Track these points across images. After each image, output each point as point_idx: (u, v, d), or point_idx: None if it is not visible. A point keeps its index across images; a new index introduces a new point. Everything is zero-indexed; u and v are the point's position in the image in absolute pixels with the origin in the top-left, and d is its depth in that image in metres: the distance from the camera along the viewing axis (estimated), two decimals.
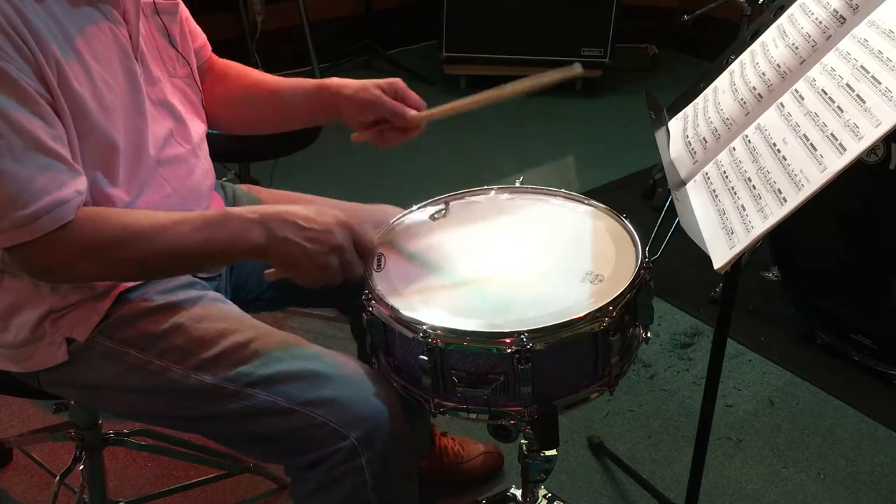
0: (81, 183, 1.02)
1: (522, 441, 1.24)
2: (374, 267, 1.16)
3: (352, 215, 1.09)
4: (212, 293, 1.23)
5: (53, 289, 1.12)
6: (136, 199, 1.13)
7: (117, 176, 1.10)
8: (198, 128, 1.27)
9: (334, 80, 1.32)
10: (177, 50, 1.23)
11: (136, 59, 1.13)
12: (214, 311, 1.18)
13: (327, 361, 1.13)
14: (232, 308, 1.21)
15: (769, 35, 1.21)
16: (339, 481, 1.10)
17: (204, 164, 1.27)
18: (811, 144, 0.97)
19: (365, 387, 1.11)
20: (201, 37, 1.36)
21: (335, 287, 1.10)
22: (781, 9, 1.23)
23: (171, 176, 1.18)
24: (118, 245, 1.02)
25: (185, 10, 1.30)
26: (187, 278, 1.22)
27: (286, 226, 1.05)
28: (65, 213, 0.98)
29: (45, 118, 0.98)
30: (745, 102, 1.16)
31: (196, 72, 1.29)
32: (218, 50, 1.42)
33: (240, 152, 2.08)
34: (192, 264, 1.13)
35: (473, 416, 1.08)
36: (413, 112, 1.28)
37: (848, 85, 0.98)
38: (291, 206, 1.08)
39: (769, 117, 1.09)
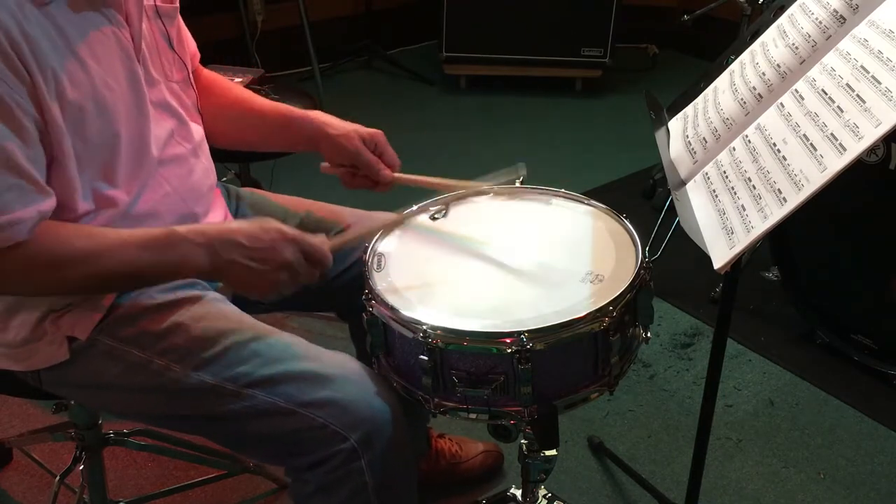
0: (47, 204, 1.02)
1: (522, 441, 1.24)
2: (375, 267, 1.16)
3: (296, 231, 1.10)
4: (212, 293, 1.23)
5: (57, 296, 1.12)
6: (137, 200, 1.14)
7: (118, 177, 1.10)
8: (197, 128, 1.27)
9: (319, 117, 1.35)
10: (175, 53, 1.24)
11: (139, 60, 1.13)
12: (215, 311, 1.18)
13: (328, 362, 1.13)
14: (232, 308, 1.21)
15: (769, 35, 1.21)
16: (339, 483, 1.10)
17: (204, 164, 1.28)
18: (811, 144, 0.97)
19: (365, 388, 1.11)
20: (193, 44, 1.36)
21: (313, 288, 1.12)
22: (781, 9, 1.23)
23: (171, 175, 1.19)
24: (65, 265, 1.03)
25: (179, 18, 1.30)
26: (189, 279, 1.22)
27: (231, 248, 1.06)
28: (19, 232, 0.98)
29: (24, 138, 0.98)
30: (745, 102, 1.16)
31: (192, 76, 1.29)
32: (218, 50, 1.42)
33: (240, 152, 2.08)
34: (140, 283, 1.13)
35: (473, 416, 1.08)
36: (387, 172, 1.33)
37: (848, 85, 0.98)
38: (237, 225, 1.10)
39: (769, 117, 1.09)
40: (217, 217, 1.30)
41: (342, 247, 1.20)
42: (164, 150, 1.17)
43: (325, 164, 1.36)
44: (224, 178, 2.34)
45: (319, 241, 1.12)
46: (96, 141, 1.06)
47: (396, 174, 1.34)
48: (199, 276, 1.10)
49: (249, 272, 1.06)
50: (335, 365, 1.13)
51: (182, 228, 1.07)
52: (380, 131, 1.34)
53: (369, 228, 1.24)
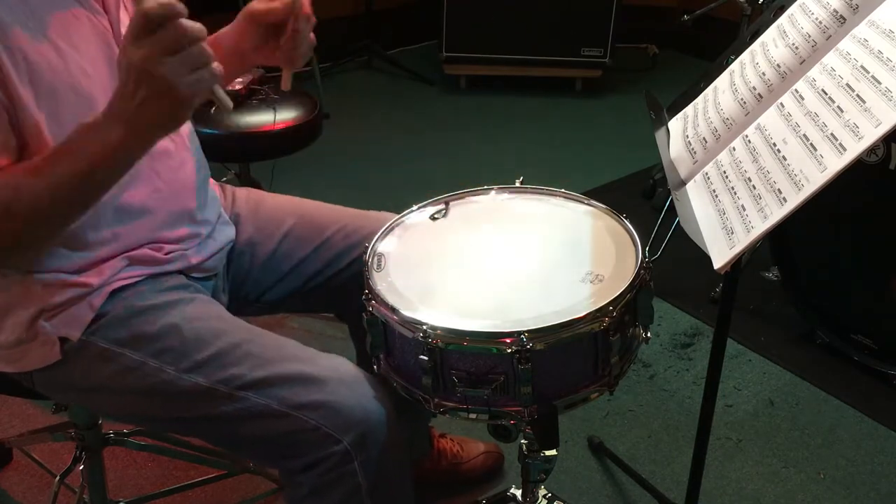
0: None
1: (522, 441, 1.24)
2: (375, 267, 1.16)
3: (142, 51, 0.91)
4: (205, 295, 1.23)
5: (45, 287, 1.11)
6: (123, 192, 1.12)
7: None
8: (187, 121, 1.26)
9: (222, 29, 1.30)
10: None
11: (119, 47, 1.12)
12: (209, 312, 1.18)
13: (321, 364, 1.13)
14: (224, 310, 1.21)
15: (769, 35, 1.21)
16: (333, 485, 1.09)
17: (196, 157, 1.27)
18: (811, 144, 0.97)
19: (358, 390, 1.11)
20: None
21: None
22: (781, 9, 1.23)
23: (162, 169, 1.18)
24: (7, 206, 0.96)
25: None
26: (181, 279, 1.22)
27: (121, 102, 0.93)
28: None
29: None
30: (745, 102, 1.16)
31: None
32: None
33: (240, 152, 2.08)
34: (84, 195, 1.00)
35: (473, 416, 1.07)
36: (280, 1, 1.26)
37: (848, 85, 0.98)
38: (114, 92, 0.95)
39: (769, 117, 1.09)
40: (212, 214, 1.29)
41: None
42: None
43: (284, 82, 1.31)
44: (224, 179, 2.34)
45: (183, 25, 0.93)
46: (71, 125, 1.05)
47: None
48: (128, 150, 0.97)
49: (152, 105, 0.92)
50: (329, 367, 1.13)
51: (90, 119, 0.96)
52: None
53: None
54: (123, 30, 1.10)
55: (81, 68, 1.06)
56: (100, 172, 0.99)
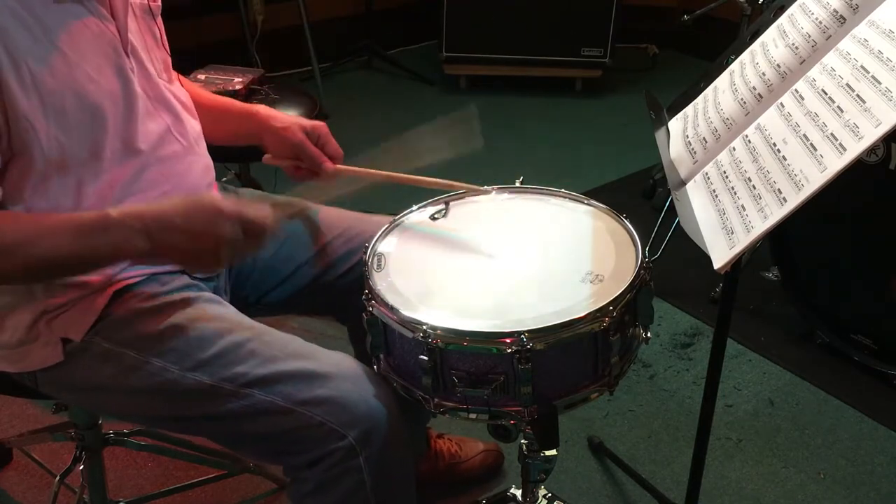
0: None
1: (522, 441, 1.24)
2: (375, 267, 1.16)
3: (233, 204, 1.06)
4: (208, 294, 1.23)
5: (47, 289, 1.12)
6: (128, 197, 1.13)
7: (101, 171, 1.10)
8: (193, 124, 1.27)
9: (262, 110, 1.35)
10: (167, 51, 1.24)
11: (127, 54, 1.12)
12: (211, 311, 1.18)
13: (325, 361, 1.13)
14: (228, 308, 1.21)
15: (769, 35, 1.21)
16: (338, 481, 1.10)
17: (202, 161, 1.27)
18: (811, 144, 0.97)
19: (363, 386, 1.11)
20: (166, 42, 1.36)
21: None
22: (781, 9, 1.23)
23: (169, 173, 1.18)
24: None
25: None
26: (184, 279, 1.22)
27: (167, 231, 1.04)
28: None
29: None
30: (745, 102, 1.16)
31: (178, 75, 1.29)
32: (218, 50, 1.42)
33: (240, 153, 2.08)
34: (76, 269, 1.10)
35: (473, 416, 1.08)
36: (329, 164, 1.31)
37: (848, 85, 0.98)
38: (171, 204, 1.06)
39: (769, 117, 1.09)
40: None
41: (286, 217, 1.19)
42: (160, 147, 1.17)
43: (267, 156, 1.35)
44: (224, 179, 2.34)
45: (261, 212, 1.10)
46: (79, 133, 1.06)
47: (339, 166, 1.33)
48: (140, 259, 1.08)
49: (187, 251, 1.05)
50: (332, 363, 1.13)
51: (116, 212, 1.04)
52: (322, 123, 1.33)
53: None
54: (131, 36, 1.11)
55: (88, 75, 1.06)
56: (103, 260, 1.07)
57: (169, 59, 1.26)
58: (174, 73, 1.28)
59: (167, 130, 1.19)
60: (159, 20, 1.25)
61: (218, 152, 1.36)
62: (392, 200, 1.44)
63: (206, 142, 1.38)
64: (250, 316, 1.22)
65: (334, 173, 1.32)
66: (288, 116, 1.34)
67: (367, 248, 1.18)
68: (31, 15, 1.00)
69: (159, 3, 1.25)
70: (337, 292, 1.37)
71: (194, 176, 1.23)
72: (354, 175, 1.33)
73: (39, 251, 1.01)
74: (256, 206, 1.10)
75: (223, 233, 1.05)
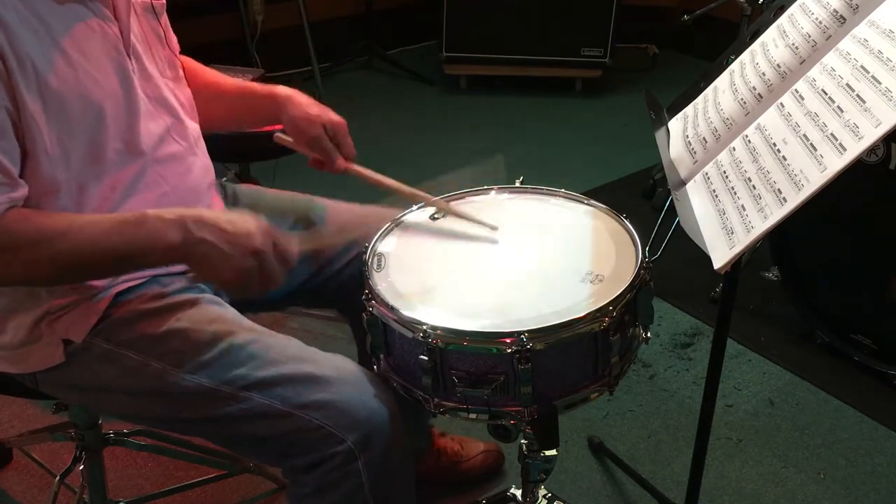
0: (19, 193, 1.01)
1: (522, 441, 1.24)
2: (375, 267, 1.16)
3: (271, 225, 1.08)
4: (209, 295, 1.23)
5: (50, 290, 1.12)
6: (129, 198, 1.13)
7: (104, 172, 1.10)
8: (193, 125, 1.27)
9: (282, 92, 1.34)
10: (170, 50, 1.24)
11: (129, 55, 1.13)
12: (212, 314, 1.18)
13: (324, 364, 1.13)
14: (229, 310, 1.21)
15: (769, 35, 1.21)
16: (336, 484, 1.10)
17: (202, 162, 1.27)
18: (811, 144, 0.97)
19: (362, 390, 1.11)
20: (174, 38, 1.36)
21: (263, 295, 1.10)
22: (781, 9, 1.23)
23: (168, 174, 1.18)
24: (29, 246, 1.01)
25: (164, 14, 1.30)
26: (185, 281, 1.22)
27: (204, 227, 1.03)
28: None
29: None
30: (745, 102, 1.16)
31: (182, 74, 1.29)
32: (218, 50, 1.42)
33: (240, 152, 2.08)
34: (109, 267, 1.09)
35: (473, 416, 1.08)
36: (341, 161, 1.32)
37: (848, 85, 0.98)
38: (211, 211, 1.09)
39: (769, 117, 1.09)
40: None
41: (311, 250, 1.19)
42: (160, 148, 1.17)
43: (278, 135, 1.36)
44: (224, 178, 2.34)
45: (291, 240, 1.10)
46: (81, 134, 1.06)
47: (348, 165, 1.34)
48: (170, 255, 1.05)
49: (219, 254, 1.03)
50: (332, 367, 1.13)
51: (154, 210, 1.05)
52: (343, 121, 1.34)
53: (342, 236, 1.27)
54: (136, 38, 1.11)
55: (91, 77, 1.06)
56: (136, 257, 1.06)
57: (175, 58, 1.26)
58: (181, 72, 1.28)
59: (167, 131, 1.19)
60: (164, 18, 1.25)
61: (218, 152, 1.37)
62: (392, 200, 1.44)
63: (225, 129, 1.38)
64: (251, 313, 1.22)
65: (344, 170, 1.32)
66: (310, 104, 1.33)
67: (367, 247, 1.18)
68: (35, 15, 1.00)
69: (163, 1, 1.25)
70: (338, 285, 1.37)
71: (194, 177, 1.23)
72: (359, 175, 1.33)
73: (75, 242, 1.01)
74: (287, 235, 1.10)
75: (257, 244, 1.04)
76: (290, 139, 1.35)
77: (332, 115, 1.33)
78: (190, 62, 1.40)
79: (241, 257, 1.04)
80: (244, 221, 1.06)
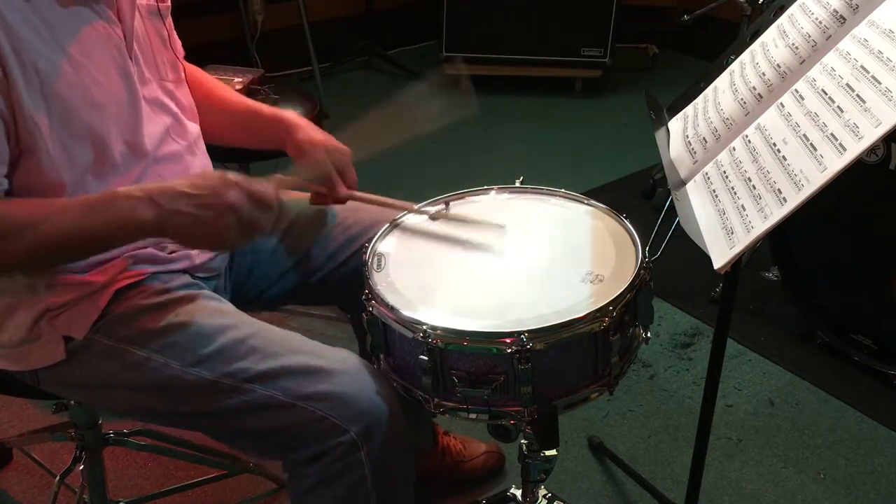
0: None
1: (522, 441, 1.24)
2: (375, 267, 1.16)
3: (239, 174, 1.06)
4: (209, 292, 1.23)
5: (49, 287, 1.12)
6: None
7: (109, 175, 1.11)
8: (193, 126, 1.27)
9: (289, 117, 1.34)
10: (174, 52, 1.24)
11: (131, 58, 1.13)
12: (212, 308, 1.18)
13: (326, 356, 1.13)
14: (229, 306, 1.22)
15: (769, 35, 1.21)
16: (339, 476, 1.10)
17: (201, 162, 1.27)
18: (811, 144, 0.97)
19: (364, 381, 1.12)
20: (178, 42, 1.36)
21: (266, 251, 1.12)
22: (781, 9, 1.23)
23: (167, 173, 1.18)
24: (7, 236, 1.00)
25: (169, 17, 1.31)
26: (186, 278, 1.22)
27: (174, 198, 1.02)
28: None
29: None
30: (745, 102, 1.16)
31: (184, 77, 1.29)
32: (218, 50, 1.42)
33: (240, 152, 2.08)
34: (84, 249, 1.08)
35: (473, 416, 1.08)
36: (343, 189, 1.30)
37: (848, 85, 0.98)
38: (178, 179, 1.05)
39: (769, 117, 1.09)
40: None
41: (290, 187, 1.17)
42: (159, 148, 1.17)
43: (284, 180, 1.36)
44: None
45: (266, 183, 1.08)
46: (86, 137, 1.06)
47: (351, 192, 1.32)
48: (144, 232, 1.05)
49: (195, 221, 1.02)
50: (334, 359, 1.13)
51: (122, 188, 1.04)
52: (347, 150, 1.32)
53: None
54: (137, 41, 1.12)
55: (94, 78, 1.07)
56: (110, 236, 1.05)
57: (178, 60, 1.26)
58: (182, 74, 1.28)
59: (166, 132, 1.20)
60: (168, 21, 1.25)
61: (218, 152, 1.37)
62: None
63: (227, 144, 1.39)
64: (253, 311, 1.22)
65: (347, 198, 1.31)
66: (315, 131, 1.33)
67: (367, 247, 1.18)
68: (40, 18, 1.00)
69: (168, 3, 1.25)
70: (339, 281, 1.37)
71: None
72: (365, 201, 1.32)
73: (48, 229, 1.01)
74: (262, 180, 1.08)
75: (229, 198, 1.02)
76: (296, 186, 1.31)
77: (336, 142, 1.33)
78: (192, 70, 1.40)
79: (217, 217, 1.02)
80: (209, 179, 1.04)
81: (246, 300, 1.37)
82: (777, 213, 0.97)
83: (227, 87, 1.42)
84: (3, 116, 0.99)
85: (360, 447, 1.08)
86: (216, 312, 1.17)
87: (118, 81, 1.10)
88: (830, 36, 1.07)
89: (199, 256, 1.24)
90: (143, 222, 1.02)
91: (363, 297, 1.11)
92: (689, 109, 1.31)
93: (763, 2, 2.18)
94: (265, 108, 1.38)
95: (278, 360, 1.11)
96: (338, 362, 1.13)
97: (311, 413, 1.08)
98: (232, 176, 1.05)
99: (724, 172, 1.11)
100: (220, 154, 1.41)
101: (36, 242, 1.01)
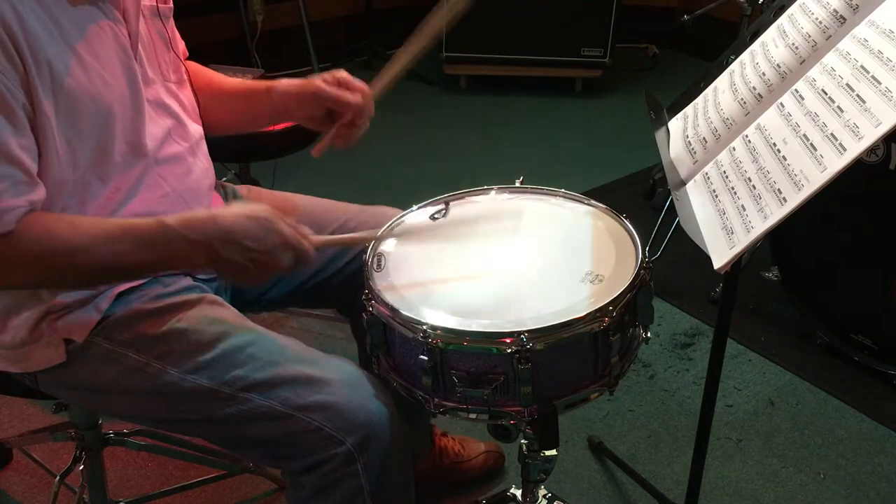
0: (38, 194, 1.01)
1: (522, 441, 1.24)
2: (375, 267, 1.16)
3: (294, 234, 1.08)
4: (210, 295, 1.23)
5: (51, 290, 1.12)
6: (131, 198, 1.13)
7: (110, 174, 1.10)
8: (195, 127, 1.27)
9: (282, 82, 1.32)
10: (176, 54, 1.24)
11: (135, 58, 1.13)
12: (213, 314, 1.18)
13: (324, 365, 1.13)
14: (230, 310, 1.21)
15: (769, 35, 1.21)
16: (335, 486, 1.10)
17: (202, 163, 1.27)
18: (811, 144, 0.97)
19: (362, 392, 1.11)
20: (182, 43, 1.36)
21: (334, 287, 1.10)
22: (781, 9, 1.23)
23: (169, 175, 1.18)
24: (53, 256, 1.01)
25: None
26: (187, 281, 1.22)
27: (231, 247, 1.04)
28: (7, 223, 0.98)
29: (17, 127, 0.98)
30: (745, 102, 1.16)
31: (186, 77, 1.29)
32: (218, 50, 1.42)
33: (240, 152, 2.08)
34: (130, 277, 1.13)
35: (473, 416, 1.08)
36: (353, 96, 1.26)
37: (848, 85, 0.98)
38: (234, 220, 1.05)
39: (769, 117, 1.09)
40: None
41: (331, 245, 1.21)
42: (161, 149, 1.17)
43: (314, 149, 1.33)
44: (224, 178, 2.34)
45: (308, 243, 1.11)
46: (90, 136, 1.06)
47: (365, 91, 1.28)
48: (194, 268, 1.10)
49: (244, 269, 1.06)
50: (332, 368, 1.13)
51: (174, 221, 1.04)
52: (341, 70, 1.30)
53: (359, 237, 1.26)
54: (141, 41, 1.13)
55: (102, 78, 1.07)
56: (159, 269, 1.11)
57: (179, 62, 1.26)
58: (185, 75, 1.28)
59: (168, 133, 1.19)
60: (171, 22, 1.25)
61: (218, 152, 1.37)
62: (391, 200, 1.45)
63: (234, 131, 1.39)
64: (252, 313, 1.22)
65: (363, 101, 1.27)
66: (303, 79, 1.30)
67: (367, 247, 1.18)
68: (50, 17, 1.00)
69: (170, 4, 1.25)
70: (339, 285, 1.37)
71: (194, 178, 1.23)
72: (381, 86, 1.29)
73: (96, 256, 1.02)
74: (308, 234, 1.11)
75: (281, 261, 1.07)
76: (323, 143, 1.30)
77: (324, 74, 1.29)
78: (190, 64, 1.40)
79: (265, 272, 1.08)
80: (272, 239, 1.06)
81: (246, 302, 1.37)
82: (777, 214, 0.97)
83: (220, 74, 1.41)
84: (26, 111, 0.99)
85: (356, 458, 1.08)
86: (215, 318, 1.17)
87: (123, 81, 1.10)
88: (830, 36, 1.08)
89: None
90: (195, 264, 1.08)
91: (363, 297, 1.11)
92: (689, 109, 1.31)
93: (763, 2, 2.19)
94: (257, 83, 1.36)
95: (276, 368, 1.11)
96: (335, 372, 1.12)
97: (307, 423, 1.08)
98: (288, 235, 1.07)
99: (724, 172, 1.11)
100: (221, 154, 1.41)
101: (81, 267, 1.03)
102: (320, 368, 1.12)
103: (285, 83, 1.30)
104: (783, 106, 1.08)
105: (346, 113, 1.27)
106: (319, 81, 1.26)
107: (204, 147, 1.30)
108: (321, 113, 1.29)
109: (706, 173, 1.15)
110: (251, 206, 1.09)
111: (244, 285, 1.16)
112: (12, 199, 0.98)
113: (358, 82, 1.29)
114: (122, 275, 1.09)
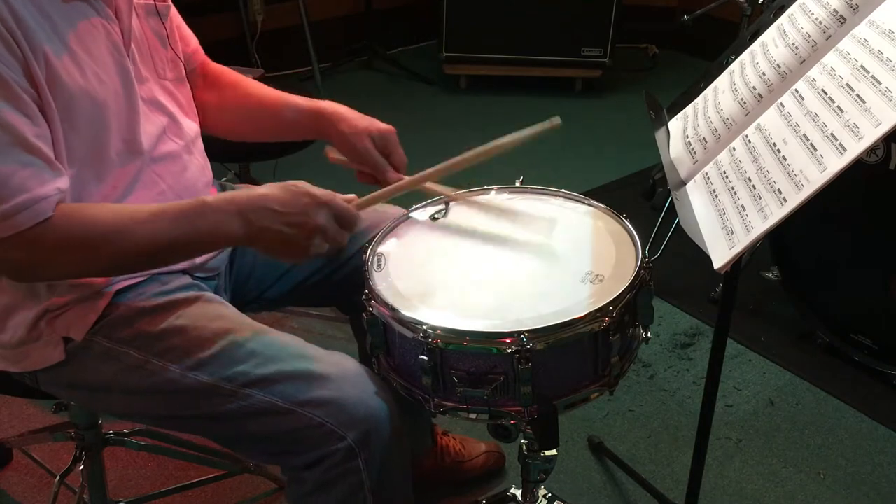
0: (63, 181, 1.02)
1: (522, 441, 1.24)
2: (375, 267, 1.16)
3: (326, 192, 1.09)
4: (209, 293, 1.23)
5: (49, 288, 1.12)
6: (128, 196, 1.13)
7: (106, 172, 1.10)
8: (191, 125, 1.27)
9: (331, 109, 1.34)
10: (174, 51, 1.24)
11: (128, 56, 1.13)
12: (212, 311, 1.18)
13: (325, 361, 1.13)
14: (229, 308, 1.21)
15: (769, 35, 1.21)
16: (336, 482, 1.10)
17: (198, 161, 1.27)
18: (811, 144, 0.97)
19: (363, 388, 1.11)
20: (193, 42, 1.36)
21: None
22: (781, 9, 1.23)
23: (165, 173, 1.18)
24: (94, 241, 1.02)
25: (177, 16, 1.31)
26: (185, 279, 1.22)
27: (264, 214, 1.05)
28: (43, 210, 0.98)
29: (30, 115, 0.98)
30: (745, 102, 1.16)
31: (185, 75, 1.29)
32: (218, 50, 1.42)
33: (240, 152, 2.08)
34: (170, 257, 1.12)
35: (473, 416, 1.08)
36: (393, 174, 1.31)
37: (848, 85, 0.98)
38: (267, 190, 1.08)
39: (769, 117, 1.09)
40: None
41: (369, 205, 1.20)
42: (156, 147, 1.17)
43: (333, 156, 1.36)
44: (224, 178, 2.34)
45: (348, 201, 1.12)
46: (86, 132, 1.06)
47: (402, 176, 1.32)
48: (233, 243, 1.10)
49: (283, 238, 1.06)
50: (332, 364, 1.13)
51: (211, 198, 1.07)
52: (391, 128, 1.34)
53: (366, 160, 1.28)
54: (134, 39, 1.12)
55: (96, 75, 1.07)
56: (200, 246, 1.10)
57: (178, 60, 1.26)
58: (183, 73, 1.28)
59: (163, 131, 1.19)
60: (170, 20, 1.25)
61: (218, 152, 1.37)
62: (392, 200, 1.44)
63: (262, 140, 1.42)
64: (252, 311, 1.22)
65: (396, 182, 1.30)
66: (357, 118, 1.34)
67: (367, 247, 1.18)
68: (42, 13, 1.01)
69: (168, 2, 1.25)
70: (339, 282, 1.37)
71: (190, 175, 1.23)
72: (415, 186, 1.30)
73: (138, 237, 1.03)
74: (343, 195, 1.11)
75: (318, 220, 1.06)
76: (343, 157, 1.34)
77: (380, 125, 1.34)
78: (228, 74, 1.42)
79: (306, 236, 1.07)
80: (299, 195, 1.07)
81: (245, 300, 1.37)
82: (777, 214, 0.97)
83: (261, 85, 1.42)
84: (32, 97, 0.99)
85: (357, 454, 1.08)
86: (215, 315, 1.17)
87: (117, 78, 1.10)
88: (830, 36, 1.08)
89: (199, 257, 1.24)
90: (232, 235, 1.07)
91: (363, 297, 1.11)
92: (689, 109, 1.31)
93: (763, 2, 2.19)
94: (302, 101, 1.38)
95: (277, 364, 1.11)
96: (337, 367, 1.13)
97: (309, 419, 1.08)
98: (321, 195, 1.08)
99: (724, 172, 1.11)
100: (221, 154, 1.41)
101: (124, 249, 1.03)
102: (321, 364, 1.12)
103: (335, 114, 1.34)
104: (783, 106, 1.08)
105: (378, 176, 1.32)
106: (369, 143, 1.31)
107: (200, 144, 1.30)
108: (356, 159, 1.33)
109: (706, 173, 1.15)
110: (290, 182, 1.10)
111: (288, 261, 1.16)
112: (40, 188, 0.98)
113: (400, 153, 1.36)
114: (162, 254, 1.08)
